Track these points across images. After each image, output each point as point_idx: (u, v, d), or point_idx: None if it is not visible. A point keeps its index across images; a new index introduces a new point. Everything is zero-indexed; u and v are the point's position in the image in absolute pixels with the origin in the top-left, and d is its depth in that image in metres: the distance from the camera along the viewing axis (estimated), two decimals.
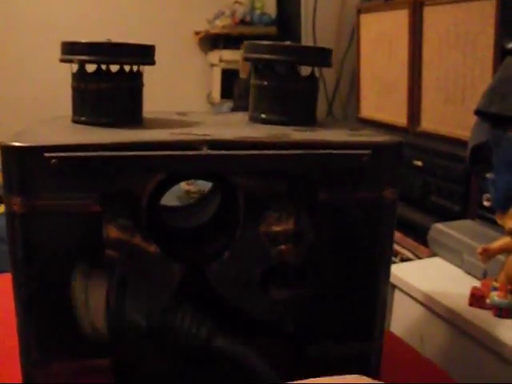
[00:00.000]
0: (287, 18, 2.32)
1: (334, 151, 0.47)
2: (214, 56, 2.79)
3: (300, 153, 0.46)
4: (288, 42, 0.56)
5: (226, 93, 2.68)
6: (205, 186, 0.62)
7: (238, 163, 0.46)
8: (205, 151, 0.45)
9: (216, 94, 2.81)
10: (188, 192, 0.53)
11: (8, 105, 2.56)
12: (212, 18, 2.80)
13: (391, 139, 0.51)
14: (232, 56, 2.61)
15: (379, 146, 0.50)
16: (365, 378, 0.37)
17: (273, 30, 2.60)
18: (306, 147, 0.47)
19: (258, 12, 2.73)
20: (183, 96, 2.85)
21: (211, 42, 2.92)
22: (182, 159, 0.45)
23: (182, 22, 2.91)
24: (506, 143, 0.74)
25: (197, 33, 2.91)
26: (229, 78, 2.61)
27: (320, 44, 1.73)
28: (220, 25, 2.71)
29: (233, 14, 2.72)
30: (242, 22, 2.70)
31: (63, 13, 2.67)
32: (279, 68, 0.56)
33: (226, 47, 2.67)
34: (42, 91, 2.57)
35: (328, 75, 1.81)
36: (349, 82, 1.83)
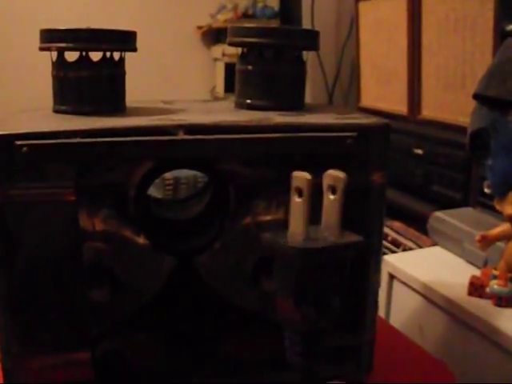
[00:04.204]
0: (289, 10, 2.30)
1: (317, 134, 0.46)
2: (217, 50, 2.78)
3: (280, 136, 0.45)
4: (273, 25, 0.54)
5: (229, 87, 2.66)
6: (180, 173, 0.61)
7: (215, 148, 0.45)
8: (180, 136, 0.44)
9: (220, 88, 2.79)
10: (163, 179, 0.52)
11: None
12: (214, 12, 2.79)
13: (377, 121, 0.49)
14: (235, 50, 2.59)
15: (365, 129, 0.48)
16: None
17: (276, 23, 2.57)
18: (287, 130, 0.45)
19: (260, 5, 2.71)
20: (187, 91, 2.84)
21: (214, 36, 2.90)
22: (156, 145, 0.43)
23: (185, 16, 2.89)
24: (504, 127, 0.72)
25: (199, 27, 2.90)
26: (232, 72, 2.59)
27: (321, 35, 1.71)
28: (222, 19, 2.69)
29: (235, 8, 2.70)
30: (245, 15, 2.68)
31: (59, 6, 2.65)
32: (264, 52, 0.55)
33: None
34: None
35: (328, 65, 1.79)
36: (349, 71, 1.82)
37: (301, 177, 0.40)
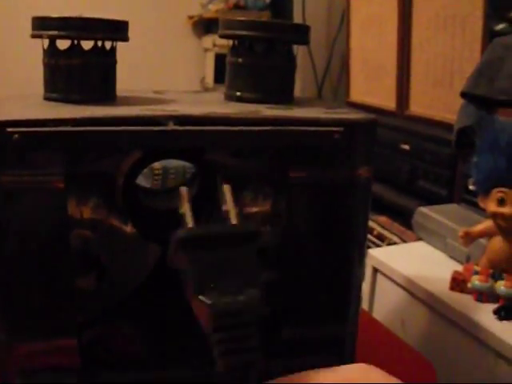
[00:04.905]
0: (280, 2, 2.29)
1: (304, 128, 0.46)
2: (208, 41, 2.77)
3: (267, 129, 0.45)
4: (264, 17, 0.55)
5: (219, 78, 2.65)
6: (169, 163, 0.61)
7: (204, 139, 0.45)
8: (170, 126, 0.44)
9: (209, 78, 2.78)
10: (152, 169, 0.52)
11: None
12: (205, 2, 2.78)
13: (365, 116, 0.50)
14: (226, 41, 2.58)
15: (352, 124, 0.48)
16: (372, 367, 0.36)
17: (267, 14, 2.57)
18: (275, 123, 0.46)
19: None
20: (177, 81, 2.83)
21: (205, 26, 2.89)
22: (146, 135, 0.44)
23: (176, 6, 2.88)
24: (490, 125, 0.73)
25: (190, 17, 2.88)
26: (222, 62, 2.57)
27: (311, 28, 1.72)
28: (214, 9, 2.68)
29: None
30: (236, 6, 2.67)
31: None
32: (255, 45, 0.55)
33: None
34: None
35: (318, 59, 1.80)
36: (339, 65, 1.82)
37: None
